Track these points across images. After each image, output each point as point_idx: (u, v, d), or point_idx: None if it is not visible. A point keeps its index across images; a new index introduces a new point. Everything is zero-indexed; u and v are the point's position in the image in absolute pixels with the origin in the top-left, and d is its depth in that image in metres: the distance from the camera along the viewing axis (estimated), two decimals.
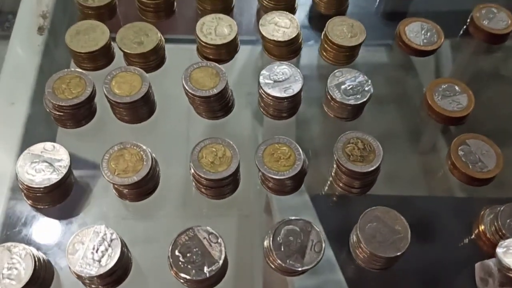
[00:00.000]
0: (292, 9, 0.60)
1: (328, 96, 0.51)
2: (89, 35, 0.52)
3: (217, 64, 0.51)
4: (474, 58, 0.60)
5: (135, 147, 0.45)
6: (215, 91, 0.49)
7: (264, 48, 0.56)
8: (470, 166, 0.48)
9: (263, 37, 0.55)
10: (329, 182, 0.49)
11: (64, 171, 0.43)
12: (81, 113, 0.49)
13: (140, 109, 0.49)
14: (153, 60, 0.53)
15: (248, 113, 0.54)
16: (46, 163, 0.44)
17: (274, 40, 0.54)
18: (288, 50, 0.56)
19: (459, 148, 0.50)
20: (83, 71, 0.49)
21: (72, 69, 0.50)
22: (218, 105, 0.50)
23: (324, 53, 0.57)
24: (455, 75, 0.59)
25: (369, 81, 0.51)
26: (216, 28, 0.54)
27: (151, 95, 0.51)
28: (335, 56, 0.56)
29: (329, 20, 0.56)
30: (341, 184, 0.48)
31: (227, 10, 0.59)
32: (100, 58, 0.53)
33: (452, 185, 0.51)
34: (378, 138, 0.49)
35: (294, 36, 0.54)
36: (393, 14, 0.63)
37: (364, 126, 0.53)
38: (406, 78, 0.58)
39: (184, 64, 0.55)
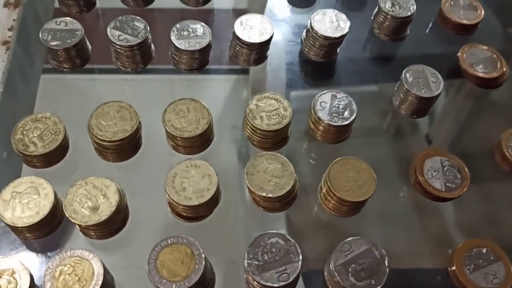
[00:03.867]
0: (284, 140, 0.50)
1: (335, 279, 0.40)
2: (29, 199, 0.41)
3: (192, 240, 0.40)
4: (502, 198, 0.51)
5: None
6: (188, 284, 0.38)
7: (252, 198, 0.46)
8: None
9: (250, 190, 0.45)
10: None
11: None
12: None
13: None
14: (112, 225, 0.43)
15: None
16: None
17: (264, 196, 0.44)
18: (281, 204, 0.45)
19: None
20: (20, 263, 0.38)
21: (8, 256, 0.39)
22: None
23: (325, 201, 0.47)
24: (482, 220, 0.49)
25: (385, 256, 0.41)
26: (191, 181, 0.44)
27: (109, 280, 0.40)
28: (338, 208, 0.46)
29: (332, 163, 0.46)
30: None
31: (205, 144, 0.49)
32: (45, 226, 0.42)
33: None
34: None
35: (288, 189, 0.44)
36: (406, 143, 0.53)
37: None
38: (425, 229, 0.48)
39: (153, 224, 0.45)
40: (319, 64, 0.57)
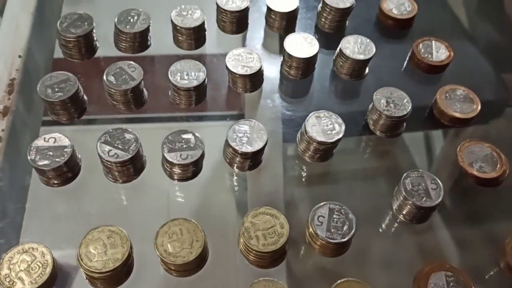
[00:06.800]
0: (282, 256, 0.48)
1: None
2: None
3: None
4: None
5: None
6: None
7: None
8: None
9: None
10: None
11: None
12: None
13: None
14: None
15: None
16: None
17: None
18: None
19: None
20: None
21: None
22: None
23: None
24: None
25: None
26: None
27: None
28: None
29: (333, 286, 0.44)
30: None
31: (200, 265, 0.47)
32: None
33: None
34: None
35: None
36: (407, 250, 0.51)
37: None
38: None
39: None
40: (315, 165, 0.56)
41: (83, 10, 0.62)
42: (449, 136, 0.59)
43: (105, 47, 0.62)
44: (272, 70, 0.63)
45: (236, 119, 0.58)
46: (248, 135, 0.52)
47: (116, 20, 0.60)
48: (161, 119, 0.58)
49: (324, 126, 0.54)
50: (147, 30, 0.61)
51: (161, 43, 0.64)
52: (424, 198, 0.49)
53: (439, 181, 0.50)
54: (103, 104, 0.57)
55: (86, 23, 0.59)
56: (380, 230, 0.52)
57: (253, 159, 0.53)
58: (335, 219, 0.48)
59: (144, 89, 0.58)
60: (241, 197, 0.54)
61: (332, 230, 0.47)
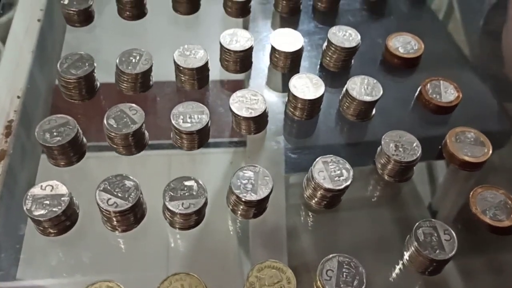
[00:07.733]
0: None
1: None
2: None
3: None
4: None
5: None
6: None
7: None
8: None
9: None
10: None
11: None
12: None
13: None
14: None
15: None
16: None
17: None
18: None
19: None
20: None
21: None
22: None
23: None
24: None
25: None
26: None
27: None
28: None
29: None
30: None
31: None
32: None
33: None
34: None
35: None
36: None
37: None
38: None
39: None
40: (322, 213, 0.54)
41: (84, 39, 0.61)
42: (460, 180, 0.57)
43: (104, 76, 0.61)
44: (276, 110, 0.62)
45: (239, 146, 0.58)
46: (253, 181, 0.50)
47: (117, 60, 0.59)
48: (163, 158, 0.57)
49: (332, 172, 0.52)
50: (149, 71, 0.60)
51: (164, 82, 0.63)
52: (438, 251, 0.47)
53: (452, 231, 0.48)
54: (104, 140, 0.56)
55: (87, 64, 0.58)
56: (391, 279, 0.50)
57: (258, 207, 0.51)
58: (344, 274, 0.45)
59: (146, 132, 0.56)
60: (245, 245, 0.51)
61: (342, 285, 0.45)
